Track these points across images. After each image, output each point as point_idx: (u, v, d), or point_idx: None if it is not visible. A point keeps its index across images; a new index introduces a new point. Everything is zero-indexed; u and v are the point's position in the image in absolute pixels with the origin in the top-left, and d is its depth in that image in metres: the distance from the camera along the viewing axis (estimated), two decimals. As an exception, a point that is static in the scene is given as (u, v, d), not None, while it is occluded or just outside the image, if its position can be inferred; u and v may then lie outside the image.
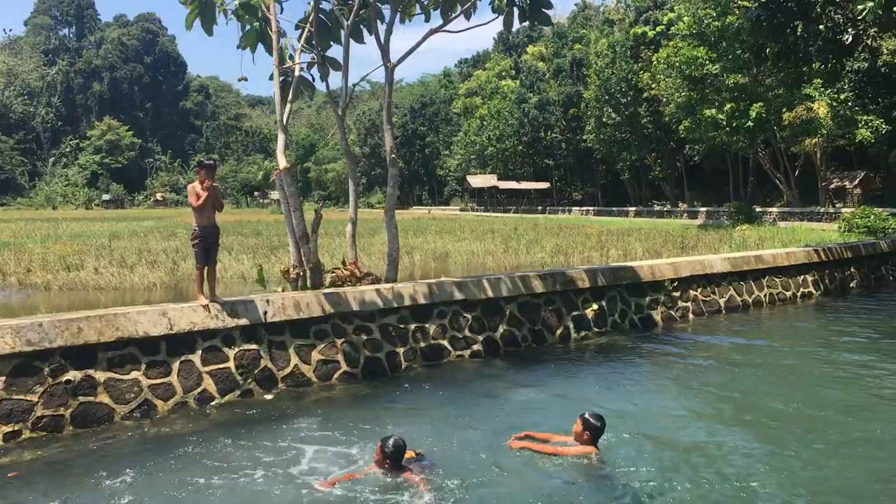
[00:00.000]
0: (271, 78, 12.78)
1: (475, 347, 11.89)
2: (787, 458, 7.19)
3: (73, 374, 8.21)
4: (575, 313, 13.36)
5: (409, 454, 6.64)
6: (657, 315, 14.59)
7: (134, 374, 8.68)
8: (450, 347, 11.62)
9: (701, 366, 11.23)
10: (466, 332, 11.87)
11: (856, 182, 50.58)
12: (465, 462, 6.98)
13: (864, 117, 42.40)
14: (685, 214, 58.38)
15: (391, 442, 6.49)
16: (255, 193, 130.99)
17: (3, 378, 7.80)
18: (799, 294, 17.72)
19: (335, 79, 69.30)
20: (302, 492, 6.32)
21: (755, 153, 49.21)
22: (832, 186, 51.23)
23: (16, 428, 7.80)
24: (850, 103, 41.95)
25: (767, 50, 19.18)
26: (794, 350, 12.21)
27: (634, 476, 6.73)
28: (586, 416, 7.18)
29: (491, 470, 6.83)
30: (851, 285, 19.42)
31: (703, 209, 56.22)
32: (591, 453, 7.03)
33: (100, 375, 8.42)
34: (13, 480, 6.62)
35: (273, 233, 34.85)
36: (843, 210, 39.05)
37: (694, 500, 6.25)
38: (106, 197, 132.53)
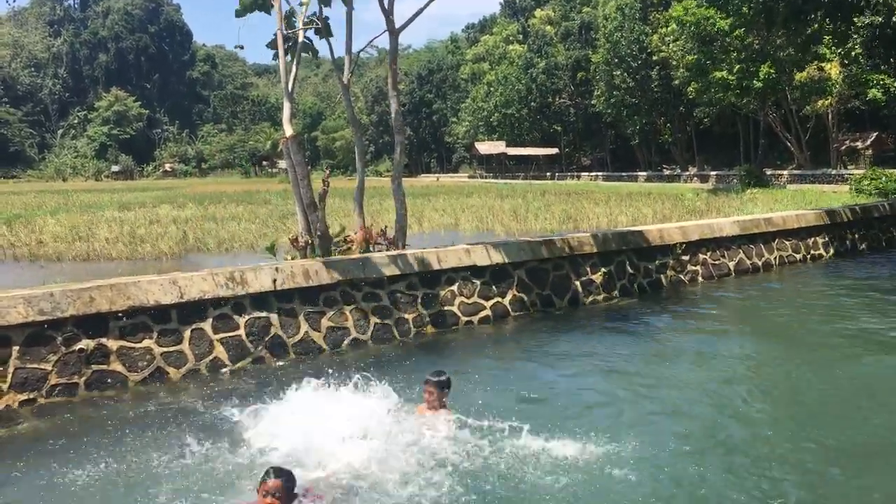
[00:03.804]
0: (269, 45, 12.71)
1: (484, 313, 11.94)
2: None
3: (85, 343, 8.31)
4: (583, 278, 13.38)
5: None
6: (666, 279, 14.59)
7: (146, 343, 8.78)
8: (459, 313, 11.67)
9: (707, 328, 11.27)
10: (475, 298, 11.92)
11: (867, 143, 50.13)
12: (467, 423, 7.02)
13: (876, 76, 41.84)
14: (695, 178, 58.09)
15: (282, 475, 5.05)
16: (264, 163, 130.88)
17: (17, 347, 7.91)
18: (809, 256, 17.68)
19: (339, 46, 68.51)
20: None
21: (766, 115, 48.75)
22: (844, 148, 50.79)
23: (31, 396, 7.92)
24: (861, 60, 41.36)
25: (778, 8, 18.91)
26: (801, 310, 12.24)
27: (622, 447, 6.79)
28: (432, 378, 6.96)
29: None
30: (862, 247, 19.34)
31: (714, 173, 55.90)
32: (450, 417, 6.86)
33: (112, 344, 8.52)
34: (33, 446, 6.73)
35: (281, 202, 34.90)
36: (855, 172, 38.75)
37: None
38: (115, 168, 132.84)
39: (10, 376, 7.82)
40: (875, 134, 50.23)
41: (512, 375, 9.04)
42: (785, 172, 48.16)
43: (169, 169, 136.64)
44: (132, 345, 8.67)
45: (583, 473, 5.96)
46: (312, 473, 5.76)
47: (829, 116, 47.71)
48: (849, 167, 48.54)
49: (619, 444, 6.51)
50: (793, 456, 6.36)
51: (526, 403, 7.78)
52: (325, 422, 6.49)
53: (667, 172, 65.82)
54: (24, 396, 7.87)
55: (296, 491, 5.04)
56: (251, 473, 5.89)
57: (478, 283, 12.00)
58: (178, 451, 6.48)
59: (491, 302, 12.09)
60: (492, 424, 6.78)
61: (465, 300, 11.81)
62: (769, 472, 6.06)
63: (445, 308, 11.56)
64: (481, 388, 8.15)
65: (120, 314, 8.60)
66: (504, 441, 6.48)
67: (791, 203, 26.24)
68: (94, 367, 8.35)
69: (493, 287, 12.18)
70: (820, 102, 43.99)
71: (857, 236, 19.41)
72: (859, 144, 50.45)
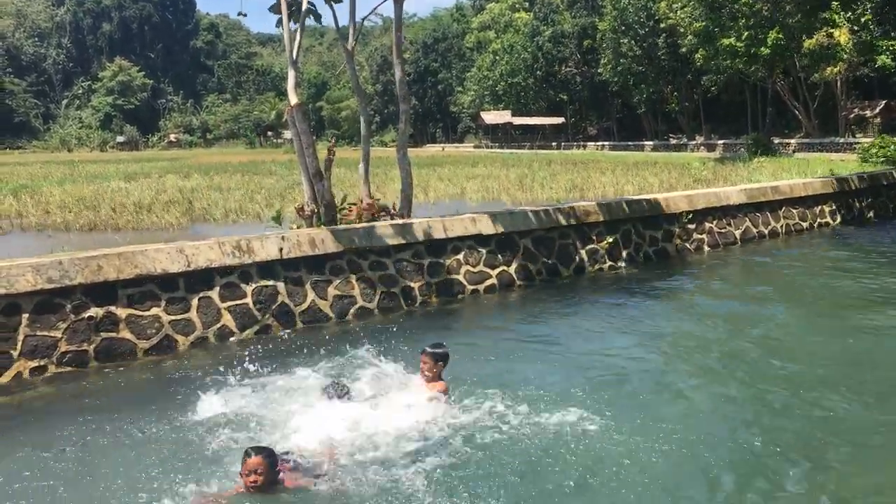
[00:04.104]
0: (272, 9, 12.62)
1: (490, 282, 11.98)
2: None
3: (94, 311, 8.37)
4: (589, 247, 13.38)
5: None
6: (672, 247, 14.59)
7: (154, 311, 8.84)
8: (465, 282, 11.71)
9: (712, 294, 11.31)
10: (481, 267, 11.95)
11: (876, 111, 49.66)
12: (473, 392, 7.07)
13: (886, 42, 41.33)
14: (702, 148, 57.75)
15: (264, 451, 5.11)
16: (269, 133, 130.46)
17: (27, 315, 7.97)
18: (816, 224, 17.65)
19: (343, 14, 68.00)
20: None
21: (774, 83, 48.32)
22: (852, 116, 50.34)
23: (42, 363, 8.00)
24: (871, 26, 40.85)
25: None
26: (803, 276, 12.25)
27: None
28: (428, 349, 6.93)
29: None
30: (869, 215, 19.29)
31: (721, 142, 55.55)
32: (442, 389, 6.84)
33: (121, 312, 8.58)
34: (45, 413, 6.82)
35: (286, 172, 34.86)
36: (863, 140, 38.47)
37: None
38: (120, 139, 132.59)
39: (20, 344, 7.90)
40: (884, 102, 49.73)
41: (517, 344, 9.09)
42: (793, 141, 47.84)
43: (174, 139, 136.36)
44: (140, 313, 8.73)
45: (596, 442, 6.02)
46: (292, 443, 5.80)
47: (838, 84, 47.19)
48: (857, 135, 48.14)
49: (618, 412, 6.57)
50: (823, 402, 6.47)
51: (532, 372, 7.83)
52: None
53: (673, 142, 65.43)
54: (34, 364, 7.95)
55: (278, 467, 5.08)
56: (249, 440, 5.98)
57: (484, 251, 12.02)
58: (184, 417, 6.56)
59: (497, 270, 12.11)
60: (492, 395, 6.84)
61: (471, 269, 11.84)
62: (791, 422, 6.12)
63: (451, 277, 11.60)
64: (486, 357, 8.20)
65: (128, 282, 8.65)
66: (505, 411, 6.50)
67: (798, 171, 26.11)
68: (104, 334, 8.42)
69: (499, 256, 12.20)
70: (828, 70, 43.44)
71: (864, 204, 19.35)
72: (868, 113, 49.99)
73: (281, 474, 5.10)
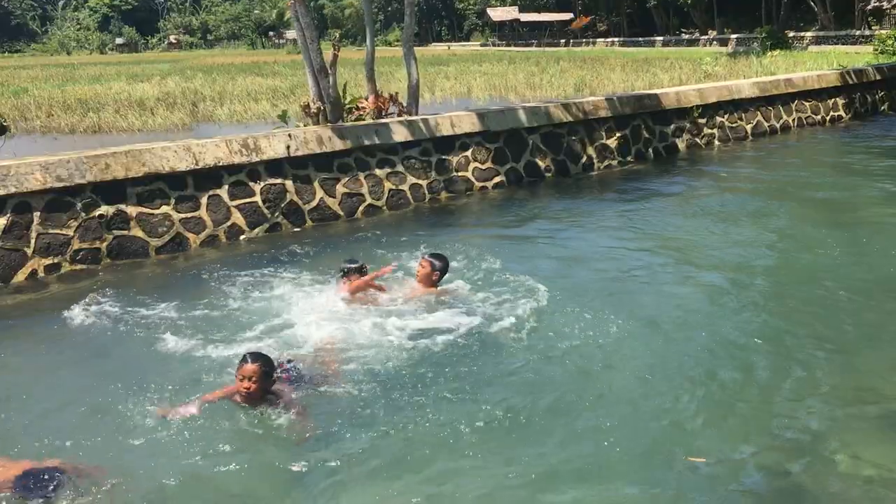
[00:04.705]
0: None
1: (498, 179, 11.93)
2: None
3: (105, 209, 8.40)
4: (598, 143, 13.26)
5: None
6: (682, 143, 14.45)
7: (164, 209, 8.87)
8: (473, 179, 11.67)
9: (720, 191, 11.26)
10: (490, 164, 11.88)
11: (893, 2, 48.06)
12: (477, 289, 7.15)
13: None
14: (714, 42, 56.34)
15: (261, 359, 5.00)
16: (270, 34, 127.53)
17: (38, 213, 8.01)
18: (829, 118, 17.39)
19: None
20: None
21: (790, -26, 46.65)
22: (869, 8, 48.74)
23: (55, 261, 8.09)
24: None
25: None
26: (813, 171, 12.17)
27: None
28: (427, 255, 6.97)
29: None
30: (883, 108, 18.97)
31: (734, 36, 54.15)
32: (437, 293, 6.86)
33: (131, 210, 8.61)
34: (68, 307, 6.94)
35: (290, 72, 34.30)
36: (880, 32, 37.40)
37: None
38: (119, 41, 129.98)
39: (33, 241, 7.97)
40: (904, -8, 48.10)
41: (526, 240, 9.14)
42: (808, 34, 46.61)
43: (174, 41, 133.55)
44: (151, 211, 8.77)
45: (601, 336, 6.12)
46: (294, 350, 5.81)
47: (857, -26, 45.61)
48: (874, 28, 46.80)
49: (622, 310, 6.65)
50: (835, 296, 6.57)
51: (534, 268, 7.89)
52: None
53: (685, 37, 63.79)
54: (48, 261, 8.05)
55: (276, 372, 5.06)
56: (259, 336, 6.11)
57: (492, 148, 11.92)
58: (194, 312, 6.68)
59: (506, 167, 12.05)
60: (495, 292, 6.90)
61: (480, 166, 11.77)
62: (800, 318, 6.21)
63: (460, 174, 11.55)
64: (494, 254, 8.23)
65: (136, 181, 8.65)
66: (504, 309, 6.55)
67: (813, 65, 25.54)
68: (115, 232, 8.48)
69: (508, 152, 12.11)
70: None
71: (878, 97, 19.00)
72: (885, 4, 48.37)
73: (277, 385, 5.02)
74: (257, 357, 4.94)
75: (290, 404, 4.93)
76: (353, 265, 6.80)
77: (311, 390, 5.21)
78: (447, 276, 7.00)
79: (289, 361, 5.43)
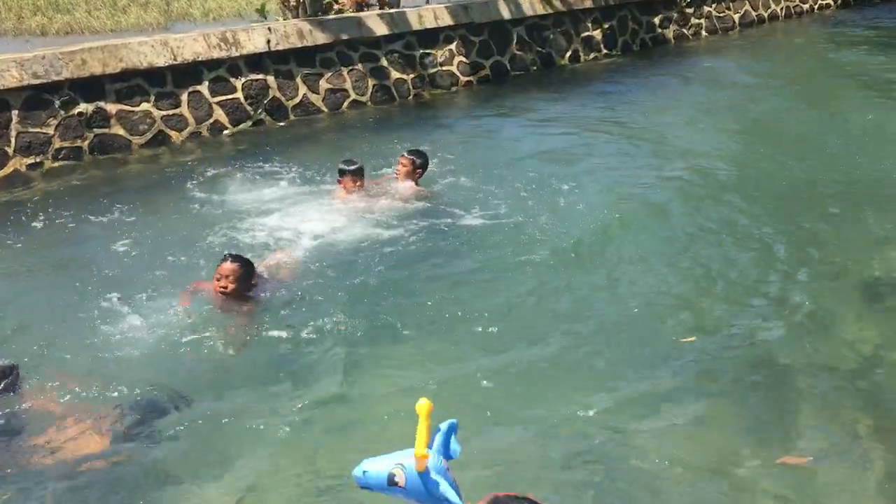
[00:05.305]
0: None
1: (483, 73, 11.75)
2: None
3: (84, 107, 8.23)
4: (584, 34, 13.03)
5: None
6: (669, 34, 14.22)
7: (144, 106, 8.71)
8: (458, 73, 11.49)
9: (707, 81, 11.18)
10: (474, 57, 11.68)
11: None
12: (457, 185, 7.13)
13: None
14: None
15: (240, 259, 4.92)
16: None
17: (17, 111, 7.85)
18: (816, 6, 17.11)
19: None
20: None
21: None
22: None
23: (37, 160, 7.98)
24: None
25: None
26: (801, 59, 12.08)
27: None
28: (409, 155, 6.83)
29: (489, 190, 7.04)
30: (873, -3, 18.70)
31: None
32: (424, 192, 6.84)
33: (111, 108, 8.45)
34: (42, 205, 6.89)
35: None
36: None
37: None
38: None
39: (13, 140, 7.83)
40: None
41: (510, 135, 9.08)
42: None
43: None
44: (131, 108, 8.60)
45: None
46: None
47: None
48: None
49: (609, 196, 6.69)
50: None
51: (524, 163, 7.88)
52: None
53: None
54: (30, 160, 7.93)
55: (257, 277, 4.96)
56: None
57: (476, 41, 11.70)
58: (179, 205, 6.68)
59: (490, 61, 11.86)
60: (477, 187, 6.89)
61: (464, 60, 11.57)
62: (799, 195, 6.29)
63: (444, 68, 11.36)
64: (478, 149, 8.19)
65: (115, 77, 8.46)
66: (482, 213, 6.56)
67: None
68: (96, 130, 8.33)
69: (493, 45, 11.89)
70: None
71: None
72: None
73: (256, 290, 4.92)
74: (237, 258, 4.83)
75: (250, 311, 4.81)
76: (350, 167, 6.65)
77: (290, 293, 5.08)
78: (428, 172, 6.95)
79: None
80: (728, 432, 3.65)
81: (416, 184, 6.81)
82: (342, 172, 6.64)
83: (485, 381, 4.04)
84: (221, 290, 4.73)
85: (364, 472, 2.07)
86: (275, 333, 4.59)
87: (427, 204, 6.58)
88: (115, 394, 4.00)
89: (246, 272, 4.81)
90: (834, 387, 3.96)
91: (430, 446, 2.10)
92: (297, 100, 9.92)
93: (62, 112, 8.10)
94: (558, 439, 3.61)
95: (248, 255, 5.08)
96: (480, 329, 4.58)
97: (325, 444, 3.66)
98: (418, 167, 6.78)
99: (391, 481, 2.02)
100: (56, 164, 8.07)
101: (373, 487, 2.07)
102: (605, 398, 3.88)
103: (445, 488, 2.03)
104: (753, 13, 15.67)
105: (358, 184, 6.64)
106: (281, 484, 3.41)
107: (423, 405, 2.09)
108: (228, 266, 4.73)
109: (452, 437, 2.19)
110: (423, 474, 2.01)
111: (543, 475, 3.39)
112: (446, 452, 2.16)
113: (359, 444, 3.50)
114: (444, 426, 2.18)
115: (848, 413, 3.75)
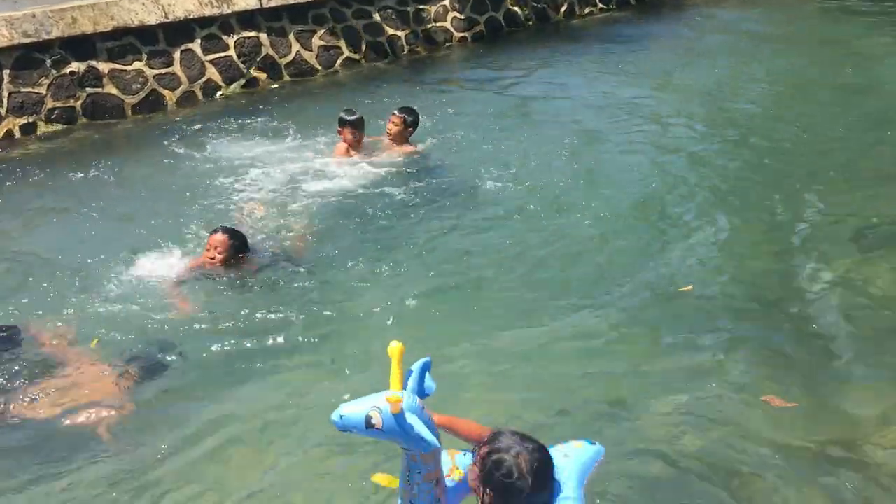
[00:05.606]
0: None
1: (478, 29, 11.65)
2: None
3: (76, 66, 8.18)
4: (580, -11, 12.91)
5: None
6: (666, -12, 14.08)
7: (137, 65, 8.65)
8: (452, 29, 11.39)
9: (703, 33, 11.13)
10: (469, 13, 11.57)
11: None
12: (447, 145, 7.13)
13: None
14: None
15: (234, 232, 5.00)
16: None
17: (8, 71, 7.80)
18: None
19: None
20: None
21: None
22: None
23: (31, 120, 7.95)
24: None
25: None
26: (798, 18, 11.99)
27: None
28: (400, 113, 6.76)
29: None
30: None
31: None
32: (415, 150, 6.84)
33: (103, 67, 8.39)
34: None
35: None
36: None
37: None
38: None
39: (5, 100, 7.80)
40: None
41: (503, 91, 9.04)
42: None
43: None
44: (123, 67, 8.55)
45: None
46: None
47: None
48: None
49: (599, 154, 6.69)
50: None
51: (516, 120, 7.86)
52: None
53: None
54: (23, 120, 7.91)
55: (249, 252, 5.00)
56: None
57: (470, -4, 11.60)
58: (171, 163, 6.67)
59: (485, 17, 11.75)
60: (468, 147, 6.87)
61: (459, 15, 11.47)
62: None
63: (438, 24, 11.26)
64: (470, 107, 8.15)
65: (106, 35, 8.40)
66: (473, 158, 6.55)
67: None
68: (89, 90, 8.29)
69: (487, 0, 11.77)
70: None
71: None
72: None
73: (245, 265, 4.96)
74: (228, 230, 4.91)
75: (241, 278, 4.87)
76: (350, 117, 6.61)
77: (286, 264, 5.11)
78: (420, 129, 6.92)
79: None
80: (728, 378, 3.71)
81: (408, 141, 6.81)
82: (342, 122, 6.63)
83: (480, 335, 4.12)
84: (209, 260, 4.83)
85: (342, 416, 2.15)
86: (264, 292, 4.72)
87: (418, 160, 6.58)
88: (118, 343, 4.15)
89: (236, 243, 4.89)
90: (832, 336, 4.00)
91: (404, 387, 2.18)
92: (290, 57, 9.85)
93: (54, 71, 8.06)
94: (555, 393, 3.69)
95: (240, 214, 5.14)
96: (475, 276, 4.66)
97: (314, 383, 3.84)
98: (409, 125, 6.75)
99: (368, 424, 2.11)
100: (49, 127, 8.03)
101: (351, 430, 2.15)
102: (599, 344, 3.97)
103: (420, 428, 2.12)
104: (751, -34, 15.49)
105: (357, 136, 6.63)
106: (271, 412, 3.66)
107: (394, 348, 2.17)
108: (218, 237, 4.83)
109: (427, 374, 2.28)
110: (398, 416, 2.09)
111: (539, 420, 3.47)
112: (420, 391, 2.25)
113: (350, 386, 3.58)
114: (416, 366, 2.27)
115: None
